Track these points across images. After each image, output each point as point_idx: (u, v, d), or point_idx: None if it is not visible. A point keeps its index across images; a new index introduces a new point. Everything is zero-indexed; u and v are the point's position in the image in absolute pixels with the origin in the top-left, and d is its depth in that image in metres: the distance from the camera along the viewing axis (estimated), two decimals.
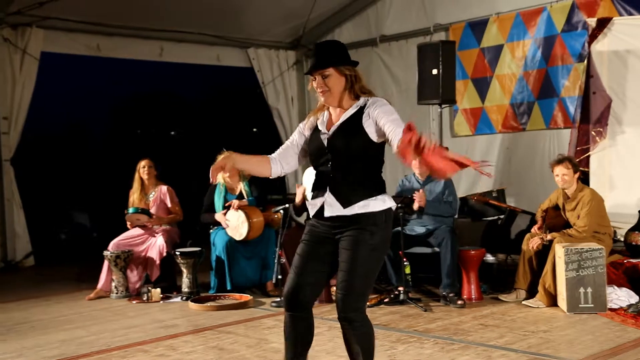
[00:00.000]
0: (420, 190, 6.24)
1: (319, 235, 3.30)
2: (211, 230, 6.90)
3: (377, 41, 10.21)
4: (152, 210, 6.99)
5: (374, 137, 3.22)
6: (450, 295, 5.97)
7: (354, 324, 3.30)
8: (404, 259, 6.01)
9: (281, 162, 3.43)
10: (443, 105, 7.91)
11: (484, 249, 6.34)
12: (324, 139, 3.29)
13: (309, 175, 6.65)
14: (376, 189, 3.27)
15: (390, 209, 3.28)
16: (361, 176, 3.24)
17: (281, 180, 10.96)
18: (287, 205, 6.51)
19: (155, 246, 6.83)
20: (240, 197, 6.78)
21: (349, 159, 3.22)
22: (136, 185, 7.10)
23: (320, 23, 10.87)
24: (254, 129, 21.35)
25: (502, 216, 7.05)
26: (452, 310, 5.76)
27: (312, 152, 3.37)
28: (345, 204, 3.22)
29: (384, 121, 3.13)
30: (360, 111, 3.24)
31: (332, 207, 3.24)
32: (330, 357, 4.52)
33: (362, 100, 3.27)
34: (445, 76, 7.64)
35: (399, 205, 6.06)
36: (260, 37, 10.88)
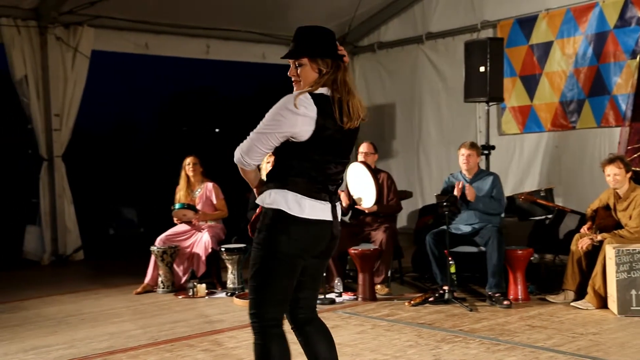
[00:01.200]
0: (467, 184, 6.19)
1: None
2: None
3: (423, 38, 10.12)
4: (198, 207, 7.07)
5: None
6: (496, 295, 5.89)
7: (254, 338, 3.13)
8: (449, 258, 5.96)
9: None
10: (490, 103, 7.81)
11: (532, 248, 6.24)
12: None
13: (351, 173, 6.65)
14: (278, 183, 3.00)
15: (281, 211, 2.95)
16: (273, 170, 3.06)
17: None
18: None
19: (201, 242, 6.90)
20: None
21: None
22: (182, 182, 7.18)
23: (366, 20, 10.84)
24: None
25: (550, 216, 6.93)
26: (498, 311, 5.69)
27: None
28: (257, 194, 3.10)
29: None
30: None
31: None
32: (374, 355, 4.50)
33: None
34: (492, 73, 7.53)
35: (444, 203, 6.01)
36: None
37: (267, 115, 2.96)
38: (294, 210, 2.96)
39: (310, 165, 3.00)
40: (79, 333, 5.33)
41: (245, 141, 2.99)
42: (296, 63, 3.06)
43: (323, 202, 3.03)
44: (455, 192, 6.20)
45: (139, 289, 6.83)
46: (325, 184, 3.04)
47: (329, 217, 3.04)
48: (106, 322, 5.67)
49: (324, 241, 3.08)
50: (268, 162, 6.77)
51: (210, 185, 7.16)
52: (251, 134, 2.97)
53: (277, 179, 3.02)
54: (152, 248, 6.83)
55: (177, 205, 7.01)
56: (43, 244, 8.92)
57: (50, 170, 8.96)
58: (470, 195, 6.17)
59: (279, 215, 2.96)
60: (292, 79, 3.09)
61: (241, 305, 6.13)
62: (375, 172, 6.68)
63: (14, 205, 11.96)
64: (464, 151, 6.41)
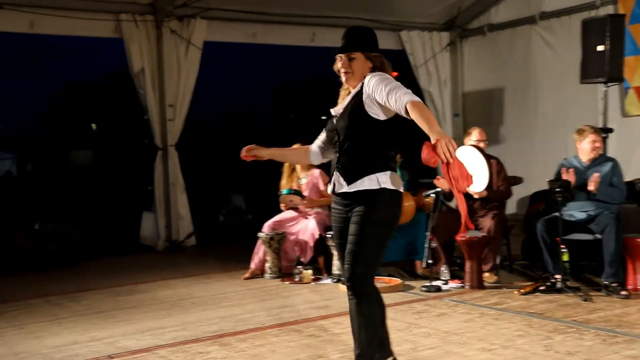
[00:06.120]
0: (595, 175, 5.86)
1: (341, 214, 3.52)
2: None
3: (536, 18, 9.73)
4: (305, 194, 7.12)
5: (374, 113, 3.33)
6: (613, 285, 5.59)
7: (363, 299, 3.43)
8: (562, 246, 5.71)
9: (322, 154, 3.75)
10: (609, 84, 7.41)
11: None
12: (334, 120, 3.52)
13: (460, 156, 6.48)
14: (378, 166, 3.37)
15: (395, 191, 3.38)
16: (362, 154, 3.38)
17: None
18: (438, 189, 6.39)
19: (308, 228, 6.96)
20: None
21: (350, 138, 3.40)
22: (285, 170, 7.26)
23: (475, 2, 10.55)
24: None
25: None
26: (615, 301, 5.39)
27: (326, 134, 3.64)
28: (348, 181, 3.40)
29: (383, 90, 3.22)
30: (361, 89, 3.39)
31: (340, 185, 3.44)
32: (483, 344, 4.38)
33: (366, 79, 3.38)
34: (612, 53, 7.15)
35: (557, 189, 5.76)
36: (413, 19, 10.73)
37: (385, 78, 3.30)
38: (399, 188, 3.41)
39: (389, 143, 3.43)
40: (191, 316, 5.51)
41: (404, 90, 3.19)
42: (349, 57, 3.41)
43: None
44: (564, 177, 5.92)
45: (247, 274, 6.97)
46: None
47: None
48: (216, 306, 5.82)
49: None
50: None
51: (317, 172, 7.20)
52: (398, 85, 3.23)
53: (374, 159, 3.38)
54: (260, 234, 6.95)
55: (283, 191, 7.10)
56: (158, 230, 9.28)
57: (164, 159, 9.29)
58: (594, 186, 5.84)
59: (393, 194, 3.38)
60: (343, 71, 3.44)
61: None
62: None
63: (131, 192, 12.53)
64: (593, 137, 6.06)
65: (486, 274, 6.20)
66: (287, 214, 7.17)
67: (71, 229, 8.75)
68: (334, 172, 3.50)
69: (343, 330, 4.84)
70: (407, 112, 3.08)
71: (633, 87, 8.50)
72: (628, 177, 7.31)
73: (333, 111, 3.57)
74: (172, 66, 9.24)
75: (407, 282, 6.32)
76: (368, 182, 3.35)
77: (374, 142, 3.38)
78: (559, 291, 5.63)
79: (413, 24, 10.77)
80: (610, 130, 7.34)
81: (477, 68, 10.88)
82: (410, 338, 4.60)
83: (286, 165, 7.25)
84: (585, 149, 6.09)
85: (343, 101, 3.54)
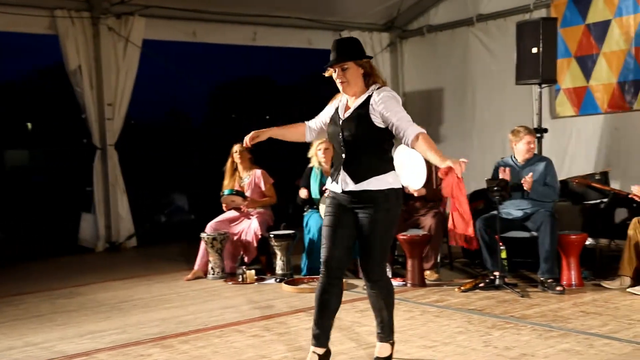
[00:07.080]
0: (530, 174, 6.02)
1: (339, 206, 3.77)
2: (305, 213, 6.93)
3: (473, 20, 9.93)
4: (247, 194, 7.10)
5: (379, 123, 3.66)
6: (549, 281, 5.77)
7: (378, 285, 3.83)
8: (500, 243, 5.85)
9: (315, 132, 4.01)
10: (543, 85, 7.62)
11: (586, 233, 6.07)
12: (340, 123, 3.76)
13: (400, 157, 6.55)
14: (383, 168, 3.71)
15: (399, 189, 3.74)
16: (368, 156, 3.69)
17: None
18: None
19: (250, 229, 6.94)
20: None
21: (357, 142, 3.69)
22: (227, 171, 7.22)
23: (415, 4, 10.68)
24: None
25: (605, 199, 6.73)
26: (551, 297, 5.57)
27: (330, 133, 3.87)
28: (356, 181, 3.68)
29: (391, 119, 3.60)
30: (368, 100, 3.69)
31: (347, 183, 3.72)
32: (424, 341, 4.46)
33: (370, 89, 3.72)
34: (545, 55, 7.36)
35: (495, 188, 5.90)
36: (354, 20, 10.80)
37: (393, 103, 3.63)
38: (399, 187, 3.77)
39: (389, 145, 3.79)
40: (132, 318, 5.43)
41: (409, 120, 3.62)
42: (342, 68, 3.68)
43: None
44: (501, 176, 6.08)
45: (190, 276, 6.91)
46: None
47: None
48: (157, 308, 5.75)
49: None
50: (319, 149, 6.74)
51: (258, 172, 7.18)
52: (404, 115, 3.63)
53: (379, 161, 3.70)
54: (202, 235, 6.90)
55: (225, 192, 7.06)
56: (97, 231, 9.10)
57: (103, 158, 9.11)
58: (527, 185, 5.99)
59: (398, 193, 3.74)
60: (339, 82, 3.71)
61: (290, 291, 6.15)
62: None
63: (69, 193, 12.26)
64: (528, 138, 6.21)
65: (427, 272, 6.30)
66: (230, 214, 7.14)
67: (6, 231, 8.51)
68: (339, 172, 3.73)
69: (287, 330, 4.86)
70: (412, 143, 3.54)
71: (563, 89, 8.76)
72: (561, 176, 7.55)
73: (340, 111, 3.79)
74: (110, 64, 9.06)
75: (350, 281, 6.37)
76: (376, 182, 3.66)
77: (377, 145, 3.71)
78: (497, 288, 5.77)
79: (354, 24, 10.84)
80: (545, 131, 7.56)
81: (417, 69, 11.03)
82: (353, 337, 4.65)
83: (228, 165, 7.22)
84: (520, 149, 6.26)
85: (344, 106, 3.79)
